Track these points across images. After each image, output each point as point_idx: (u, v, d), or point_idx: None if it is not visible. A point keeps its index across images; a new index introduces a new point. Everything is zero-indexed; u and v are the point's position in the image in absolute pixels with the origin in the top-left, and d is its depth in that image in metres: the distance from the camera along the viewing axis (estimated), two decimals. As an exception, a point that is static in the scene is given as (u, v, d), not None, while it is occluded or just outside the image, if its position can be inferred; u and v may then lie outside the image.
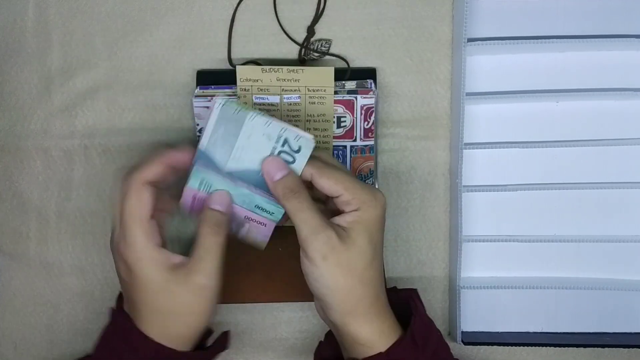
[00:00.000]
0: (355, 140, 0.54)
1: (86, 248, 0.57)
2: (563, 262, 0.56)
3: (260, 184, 0.45)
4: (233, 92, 0.52)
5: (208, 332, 0.49)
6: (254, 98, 0.52)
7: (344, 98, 0.52)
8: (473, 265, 0.56)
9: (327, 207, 0.46)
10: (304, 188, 0.43)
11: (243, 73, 0.52)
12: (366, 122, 0.53)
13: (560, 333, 0.56)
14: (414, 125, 0.56)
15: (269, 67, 0.52)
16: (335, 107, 0.53)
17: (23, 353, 0.58)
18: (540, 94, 0.54)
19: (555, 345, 0.55)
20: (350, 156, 0.54)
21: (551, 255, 0.56)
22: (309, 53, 0.55)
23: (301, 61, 0.55)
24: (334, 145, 0.54)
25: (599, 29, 0.54)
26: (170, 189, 0.46)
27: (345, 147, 0.54)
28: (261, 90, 0.52)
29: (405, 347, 0.44)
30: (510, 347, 0.57)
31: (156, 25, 0.55)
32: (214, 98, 0.44)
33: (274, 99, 0.52)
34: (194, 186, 0.45)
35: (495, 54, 0.54)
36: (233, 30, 0.55)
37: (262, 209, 0.46)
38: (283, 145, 0.44)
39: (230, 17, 0.55)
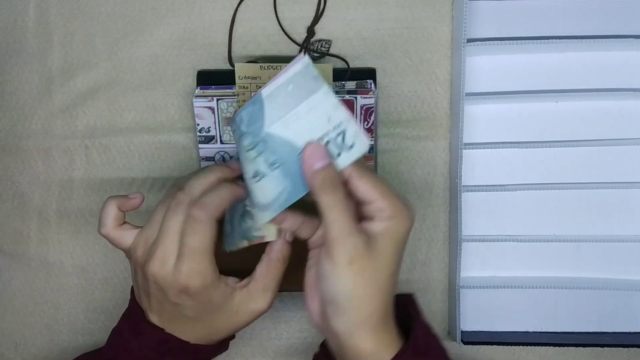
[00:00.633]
0: (355, 140, 0.54)
1: (87, 248, 0.57)
2: (563, 262, 0.56)
3: (291, 167, 0.41)
4: (234, 93, 0.52)
5: None
6: (252, 96, 0.52)
7: (344, 98, 0.52)
8: (473, 265, 0.56)
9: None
10: (342, 185, 0.41)
11: (242, 70, 0.52)
12: (366, 122, 0.53)
13: (559, 333, 0.57)
14: (414, 125, 0.56)
15: (268, 64, 0.52)
16: (335, 107, 0.53)
17: (23, 353, 0.58)
18: (540, 94, 0.54)
19: (554, 345, 0.55)
20: (350, 156, 0.54)
21: (551, 255, 0.56)
22: (309, 53, 0.55)
23: (301, 61, 0.55)
24: (333, 145, 0.54)
25: (599, 29, 0.54)
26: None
27: (345, 147, 0.54)
28: (260, 87, 0.52)
29: (408, 357, 0.43)
30: (509, 346, 0.57)
31: (156, 26, 0.55)
32: (299, 54, 0.41)
33: (273, 98, 0.52)
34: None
35: (495, 55, 0.54)
36: (233, 30, 0.55)
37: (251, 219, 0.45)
38: (338, 135, 0.40)
39: (230, 18, 0.55)
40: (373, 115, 0.53)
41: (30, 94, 0.56)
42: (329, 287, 0.41)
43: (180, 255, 0.43)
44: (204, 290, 0.44)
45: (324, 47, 0.55)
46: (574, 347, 0.56)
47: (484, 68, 0.54)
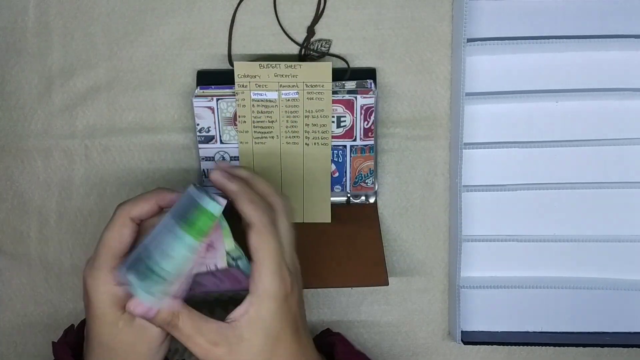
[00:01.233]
0: (355, 140, 0.54)
1: (87, 248, 0.57)
2: (563, 262, 0.56)
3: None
4: (233, 92, 0.53)
5: None
6: (251, 94, 0.52)
7: (344, 98, 0.52)
8: (473, 265, 0.56)
9: None
10: (176, 312, 0.42)
11: (241, 69, 0.52)
12: (366, 122, 0.53)
13: (559, 333, 0.56)
14: (414, 125, 0.56)
15: (267, 62, 0.52)
16: (335, 107, 0.53)
17: (23, 353, 0.58)
18: (540, 94, 0.54)
19: (554, 345, 0.55)
20: (350, 156, 0.54)
21: (551, 255, 0.56)
22: (309, 53, 0.55)
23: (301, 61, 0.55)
24: (333, 145, 0.54)
25: (599, 29, 0.54)
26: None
27: (345, 146, 0.54)
28: (259, 86, 0.52)
29: None
30: (509, 346, 0.57)
31: (156, 26, 0.55)
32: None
33: (272, 95, 0.52)
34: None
35: (495, 54, 0.54)
36: (233, 30, 0.55)
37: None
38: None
39: (230, 17, 0.55)
40: (373, 115, 0.53)
41: (30, 94, 0.56)
42: None
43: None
44: (94, 292, 0.43)
45: (324, 47, 0.55)
46: (574, 348, 0.56)
47: (484, 68, 0.54)
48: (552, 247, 0.56)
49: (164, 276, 0.41)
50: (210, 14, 0.55)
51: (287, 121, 0.53)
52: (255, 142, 0.54)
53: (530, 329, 0.57)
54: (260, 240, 0.42)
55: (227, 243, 0.43)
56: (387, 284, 0.53)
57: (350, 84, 0.53)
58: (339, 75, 0.53)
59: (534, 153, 0.55)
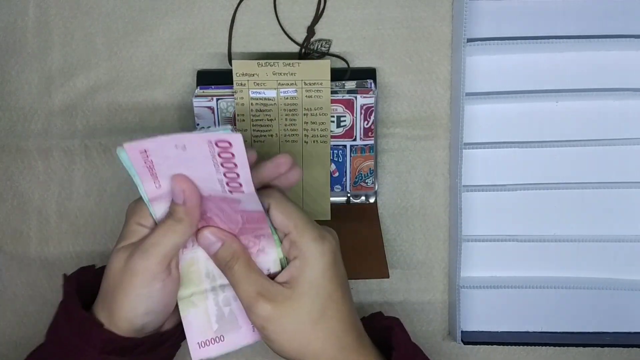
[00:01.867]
0: (355, 140, 0.54)
1: (87, 248, 0.57)
2: (563, 262, 0.56)
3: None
4: (233, 92, 0.52)
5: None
6: (250, 93, 0.52)
7: (344, 98, 0.52)
8: (473, 265, 0.56)
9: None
10: (237, 255, 0.43)
11: (239, 67, 0.52)
12: (366, 122, 0.53)
13: (560, 333, 0.56)
14: (414, 125, 0.56)
15: (265, 61, 0.52)
16: (335, 107, 0.53)
17: (23, 353, 0.58)
18: (540, 94, 0.54)
19: (555, 345, 0.55)
20: (350, 156, 0.54)
21: (551, 255, 0.56)
22: (309, 53, 0.55)
23: (301, 61, 0.55)
24: (334, 145, 0.54)
25: (599, 29, 0.54)
26: None
27: (345, 146, 0.54)
28: (257, 84, 0.52)
29: None
30: (510, 346, 0.57)
31: (156, 26, 0.55)
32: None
33: (271, 93, 0.52)
34: None
35: (495, 54, 0.54)
36: (233, 30, 0.55)
37: None
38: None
39: (230, 17, 0.55)
40: (373, 115, 0.53)
41: (30, 93, 0.56)
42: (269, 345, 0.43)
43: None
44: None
45: (324, 47, 0.55)
46: (574, 347, 0.56)
47: (484, 68, 0.54)
48: (552, 247, 0.56)
49: None
50: (210, 14, 0.55)
51: (286, 119, 0.53)
52: (254, 141, 0.54)
53: (530, 329, 0.57)
54: (285, 209, 0.42)
55: (278, 252, 0.43)
56: (387, 276, 0.52)
57: (350, 84, 0.53)
58: (339, 75, 0.53)
59: (534, 153, 0.55)
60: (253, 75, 0.52)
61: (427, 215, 0.57)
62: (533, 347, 0.56)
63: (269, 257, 0.44)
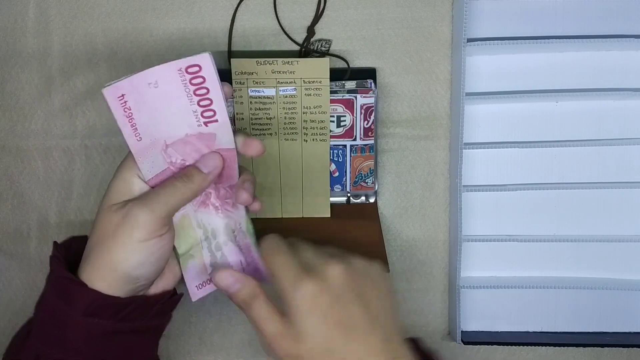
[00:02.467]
0: (355, 140, 0.54)
1: (86, 248, 0.57)
2: (563, 262, 0.56)
3: None
4: (232, 91, 0.53)
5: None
6: (249, 91, 0.52)
7: (344, 97, 0.52)
8: (473, 265, 0.56)
9: None
10: (256, 295, 0.42)
11: (238, 66, 0.52)
12: (366, 122, 0.53)
13: (559, 333, 0.56)
14: (414, 125, 0.56)
15: (264, 59, 0.52)
16: (335, 107, 0.53)
17: (23, 353, 0.58)
18: (540, 94, 0.54)
19: (554, 345, 0.55)
20: (350, 155, 0.54)
21: (551, 255, 0.56)
22: (309, 53, 0.55)
23: (301, 61, 0.55)
24: (334, 145, 0.54)
25: (599, 29, 0.54)
26: None
27: (345, 146, 0.54)
28: (256, 83, 0.52)
29: None
30: (509, 346, 0.57)
31: (156, 26, 0.55)
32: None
33: (270, 92, 0.52)
34: None
35: (495, 54, 0.54)
36: (233, 30, 0.55)
37: None
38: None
39: (230, 18, 0.55)
40: (373, 114, 0.53)
41: (30, 94, 0.56)
42: None
43: None
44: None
45: (324, 47, 0.55)
46: (574, 347, 0.56)
47: (484, 68, 0.54)
48: (552, 247, 0.56)
49: None
50: (210, 14, 0.55)
51: (285, 117, 0.53)
52: (255, 141, 0.54)
53: (530, 329, 0.57)
54: (267, 258, 0.43)
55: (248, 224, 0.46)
56: (387, 272, 0.52)
57: (350, 84, 0.53)
58: (339, 75, 0.53)
59: (534, 153, 0.55)
60: (252, 73, 0.52)
61: (427, 215, 0.57)
62: (533, 347, 0.56)
63: (241, 212, 0.46)
